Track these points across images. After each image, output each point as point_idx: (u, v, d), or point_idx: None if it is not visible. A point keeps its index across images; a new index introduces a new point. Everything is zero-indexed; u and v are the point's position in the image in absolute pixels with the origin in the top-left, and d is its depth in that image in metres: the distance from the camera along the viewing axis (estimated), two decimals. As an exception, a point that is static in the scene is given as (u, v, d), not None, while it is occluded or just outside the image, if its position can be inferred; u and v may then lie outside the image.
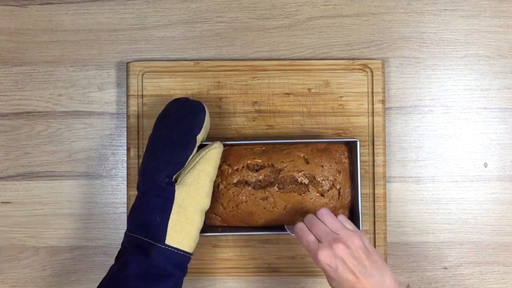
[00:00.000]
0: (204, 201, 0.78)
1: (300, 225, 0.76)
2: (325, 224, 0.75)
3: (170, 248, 0.75)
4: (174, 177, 0.77)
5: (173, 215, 0.75)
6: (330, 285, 0.73)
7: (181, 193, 0.76)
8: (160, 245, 0.74)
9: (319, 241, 0.73)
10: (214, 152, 0.79)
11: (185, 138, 0.78)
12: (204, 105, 0.82)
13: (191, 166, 0.78)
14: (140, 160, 0.88)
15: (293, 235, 0.78)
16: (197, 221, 0.77)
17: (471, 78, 0.90)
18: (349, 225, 0.76)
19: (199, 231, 0.78)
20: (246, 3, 0.91)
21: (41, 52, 0.91)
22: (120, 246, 0.78)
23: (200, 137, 0.80)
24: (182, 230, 0.76)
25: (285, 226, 0.83)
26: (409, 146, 0.90)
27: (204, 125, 0.80)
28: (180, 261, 0.76)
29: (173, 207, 0.76)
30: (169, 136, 0.79)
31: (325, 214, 0.76)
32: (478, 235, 0.90)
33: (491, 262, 0.90)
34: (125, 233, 0.78)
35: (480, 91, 0.90)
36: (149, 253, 0.74)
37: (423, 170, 0.90)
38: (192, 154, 0.79)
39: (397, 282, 0.72)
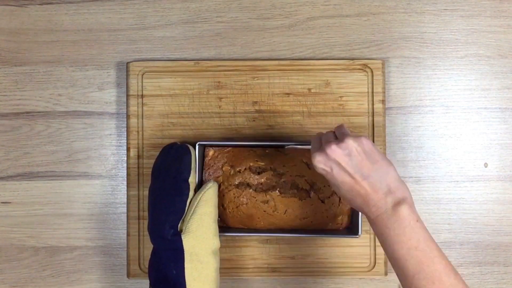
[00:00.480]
0: (213, 243, 0.78)
1: (314, 136, 0.75)
2: (335, 131, 0.74)
3: None
4: (178, 226, 0.77)
5: (187, 264, 0.76)
6: (336, 192, 0.72)
7: (188, 241, 0.76)
8: None
9: None
10: (210, 192, 0.79)
11: (177, 185, 0.79)
12: (189, 147, 0.82)
13: (191, 211, 0.78)
14: (140, 160, 0.88)
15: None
16: (212, 263, 0.77)
17: (471, 78, 0.90)
18: (357, 134, 0.73)
19: (218, 271, 0.78)
20: (246, 3, 0.91)
21: (41, 52, 0.91)
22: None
23: (192, 180, 0.80)
24: (200, 276, 0.76)
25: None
26: (409, 146, 0.90)
27: (192, 166, 0.80)
28: None
29: (185, 256, 0.76)
30: (162, 187, 0.79)
31: (339, 125, 0.75)
32: (478, 235, 0.90)
33: (491, 262, 0.90)
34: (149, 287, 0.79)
35: (481, 91, 0.90)
36: None
37: (423, 170, 0.90)
38: (189, 198, 0.79)
39: (399, 182, 0.69)
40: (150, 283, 0.78)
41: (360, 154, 0.69)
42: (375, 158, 0.69)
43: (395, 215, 0.67)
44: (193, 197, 0.79)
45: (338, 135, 0.72)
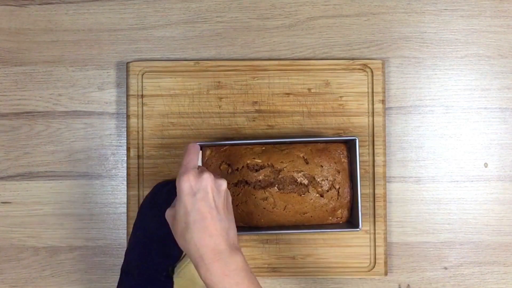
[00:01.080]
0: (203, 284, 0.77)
1: (196, 148, 0.73)
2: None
3: None
4: (170, 268, 0.77)
5: None
6: (174, 216, 0.69)
7: (179, 284, 0.76)
8: None
9: None
10: None
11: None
12: None
13: (188, 260, 0.77)
14: (140, 160, 0.88)
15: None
16: None
17: (471, 78, 0.90)
18: None
19: None
20: (246, 3, 0.91)
21: (41, 52, 0.91)
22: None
23: None
24: None
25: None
26: (409, 146, 0.90)
27: None
28: None
29: None
30: (161, 228, 0.76)
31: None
32: (478, 235, 0.90)
33: (491, 262, 0.90)
34: None
35: (480, 91, 0.90)
36: None
37: (423, 170, 0.90)
38: None
39: (237, 241, 0.69)
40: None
41: (224, 199, 0.69)
42: (230, 210, 0.71)
43: (232, 261, 0.66)
44: None
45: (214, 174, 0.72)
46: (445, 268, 0.90)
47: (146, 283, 0.76)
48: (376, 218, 0.87)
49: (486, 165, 0.90)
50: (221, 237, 0.67)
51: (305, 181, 0.83)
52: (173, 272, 0.77)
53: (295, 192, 0.83)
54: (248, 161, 0.83)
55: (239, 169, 0.83)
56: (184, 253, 0.78)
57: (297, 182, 0.83)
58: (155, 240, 0.77)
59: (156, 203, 0.81)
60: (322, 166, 0.83)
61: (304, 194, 0.83)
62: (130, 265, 0.78)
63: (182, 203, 0.67)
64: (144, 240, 0.78)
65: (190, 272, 0.76)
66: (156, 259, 0.76)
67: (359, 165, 0.82)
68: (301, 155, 0.84)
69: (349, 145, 0.85)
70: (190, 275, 0.76)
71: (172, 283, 0.76)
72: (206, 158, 0.84)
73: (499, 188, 0.90)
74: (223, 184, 0.69)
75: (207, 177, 0.68)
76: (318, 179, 0.83)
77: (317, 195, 0.83)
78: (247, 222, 0.84)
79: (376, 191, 0.87)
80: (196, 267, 0.66)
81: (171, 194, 0.77)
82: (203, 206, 0.67)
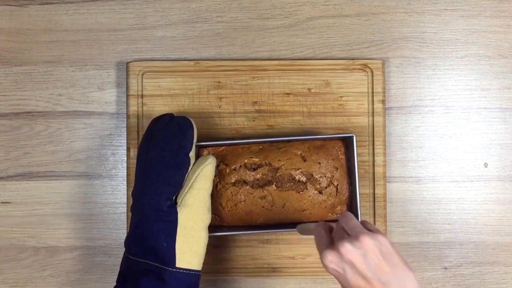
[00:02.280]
0: (207, 217, 0.78)
1: (318, 227, 0.70)
2: (343, 225, 0.67)
3: (181, 271, 0.74)
4: (173, 198, 0.77)
5: (179, 237, 0.75)
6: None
7: (184, 214, 0.76)
8: (171, 269, 0.74)
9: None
10: (210, 168, 0.79)
11: (178, 158, 0.77)
12: (191, 120, 0.81)
13: (189, 185, 0.77)
14: (140, 160, 0.88)
15: (302, 236, 0.75)
16: (203, 238, 0.77)
17: (471, 78, 0.90)
18: (371, 226, 0.68)
19: (206, 246, 0.78)
20: (246, 3, 0.91)
21: (41, 52, 0.91)
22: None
23: (192, 154, 0.79)
24: (190, 250, 0.75)
25: (297, 227, 0.80)
26: (409, 146, 0.90)
27: (194, 141, 0.80)
28: (193, 280, 0.76)
29: (178, 229, 0.75)
30: (161, 157, 0.77)
31: (346, 216, 0.68)
32: (478, 235, 0.90)
33: (491, 262, 0.90)
34: (126, 257, 0.77)
35: (481, 91, 0.90)
36: (162, 277, 0.73)
37: (423, 170, 0.90)
38: (188, 173, 0.78)
39: None
40: (128, 252, 0.77)
41: (377, 256, 0.63)
42: (394, 261, 0.64)
43: None
44: (190, 171, 0.78)
45: (349, 230, 0.66)
46: (445, 268, 0.90)
47: (150, 214, 0.76)
48: (376, 218, 0.87)
49: (486, 165, 0.90)
50: None
51: (303, 179, 0.83)
52: (176, 202, 0.76)
53: (293, 190, 0.83)
54: (246, 160, 0.83)
55: (236, 169, 0.83)
56: (186, 179, 0.78)
57: (295, 180, 0.83)
58: (162, 168, 0.77)
59: (156, 134, 0.80)
60: (320, 163, 0.83)
61: (302, 192, 0.83)
62: (135, 204, 0.77)
63: (341, 283, 0.65)
64: (146, 170, 0.78)
65: (193, 198, 0.76)
66: (159, 189, 0.76)
67: (357, 162, 0.82)
68: (299, 152, 0.84)
69: (347, 142, 0.85)
70: (192, 201, 0.76)
71: (176, 212, 0.75)
72: (205, 159, 0.84)
73: (499, 188, 0.90)
74: (367, 240, 0.63)
75: (345, 250, 0.63)
76: (316, 176, 0.83)
77: (315, 192, 0.83)
78: (246, 222, 0.84)
79: (376, 191, 0.87)
80: None
81: (182, 125, 0.79)
82: (357, 279, 0.63)
